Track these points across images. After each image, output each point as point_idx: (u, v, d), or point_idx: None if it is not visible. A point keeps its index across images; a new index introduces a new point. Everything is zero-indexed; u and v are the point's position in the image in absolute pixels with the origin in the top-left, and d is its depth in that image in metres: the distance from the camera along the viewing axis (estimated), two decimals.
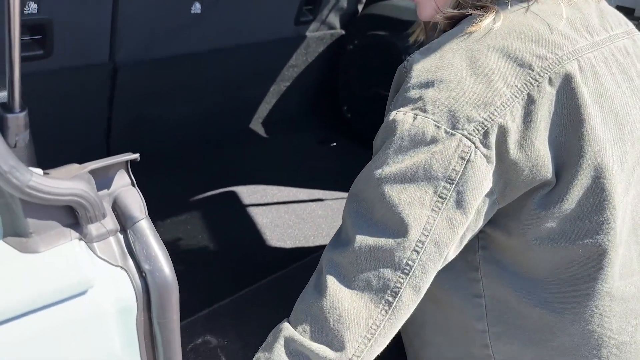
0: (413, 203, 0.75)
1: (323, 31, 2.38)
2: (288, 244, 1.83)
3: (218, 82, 2.14)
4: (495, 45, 0.79)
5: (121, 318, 0.68)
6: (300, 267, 1.66)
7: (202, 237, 1.81)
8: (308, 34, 2.31)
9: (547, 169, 0.79)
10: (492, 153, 0.77)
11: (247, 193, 2.07)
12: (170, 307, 0.72)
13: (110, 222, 0.69)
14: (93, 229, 0.66)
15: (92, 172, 0.67)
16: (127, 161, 0.70)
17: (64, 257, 0.62)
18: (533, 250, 0.83)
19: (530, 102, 0.77)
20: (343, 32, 2.45)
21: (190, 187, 2.04)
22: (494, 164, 0.77)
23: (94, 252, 0.67)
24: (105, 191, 0.70)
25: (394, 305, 0.77)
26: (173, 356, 0.75)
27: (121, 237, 0.70)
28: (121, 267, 0.68)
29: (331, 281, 0.78)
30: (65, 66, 1.68)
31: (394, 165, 0.77)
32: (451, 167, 0.75)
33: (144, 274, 0.69)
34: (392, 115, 0.79)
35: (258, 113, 2.45)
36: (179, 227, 1.84)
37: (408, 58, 0.83)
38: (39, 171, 0.63)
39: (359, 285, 0.77)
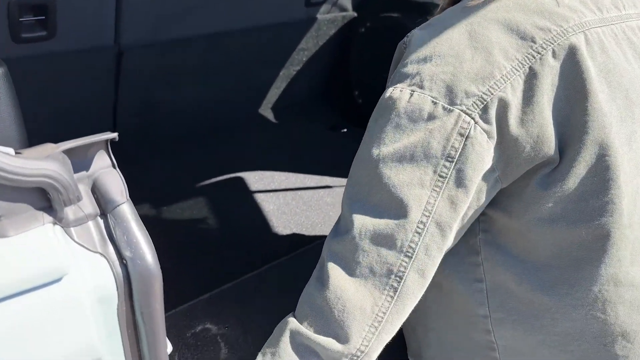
0: (412, 184, 0.73)
1: (334, 13, 2.32)
2: (294, 231, 1.80)
3: (226, 66, 2.10)
4: (496, 18, 0.76)
5: (100, 307, 0.65)
6: (302, 253, 1.62)
7: (207, 222, 1.79)
8: (319, 16, 2.25)
9: (549, 146, 0.75)
10: (493, 128, 0.73)
11: (254, 179, 2.03)
12: (154, 296, 0.68)
13: (88, 205, 0.65)
14: (70, 212, 0.63)
15: (69, 152, 0.63)
16: (106, 141, 0.66)
17: (35, 241, 0.59)
18: (534, 232, 0.80)
19: (532, 75, 0.74)
20: (355, 14, 2.38)
21: (196, 172, 2.01)
22: (495, 140, 0.74)
23: (71, 237, 0.63)
24: (84, 173, 0.66)
25: (399, 290, 0.74)
26: (158, 347, 0.72)
27: (101, 221, 0.66)
28: (100, 254, 0.65)
29: (333, 271, 0.75)
30: (70, 48, 1.65)
31: (392, 145, 0.74)
32: (450, 145, 0.72)
33: (124, 261, 0.66)
34: (389, 92, 0.76)
35: (267, 98, 2.40)
36: (184, 212, 1.82)
37: (408, 34, 0.80)
38: (10, 150, 0.59)
39: (362, 272, 0.74)
